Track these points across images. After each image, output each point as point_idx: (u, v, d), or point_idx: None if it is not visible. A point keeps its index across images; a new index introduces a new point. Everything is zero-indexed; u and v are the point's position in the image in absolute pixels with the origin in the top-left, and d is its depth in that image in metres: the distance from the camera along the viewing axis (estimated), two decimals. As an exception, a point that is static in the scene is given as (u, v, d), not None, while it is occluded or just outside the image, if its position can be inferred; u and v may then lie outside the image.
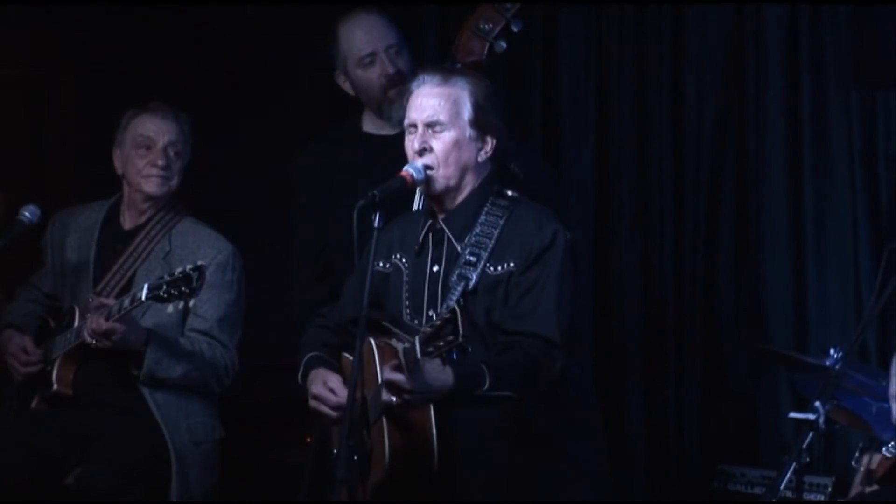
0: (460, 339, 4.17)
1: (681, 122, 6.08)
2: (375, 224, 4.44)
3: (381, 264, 4.72)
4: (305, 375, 4.72)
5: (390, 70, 5.33)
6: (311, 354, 4.76)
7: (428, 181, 4.61)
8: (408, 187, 4.68)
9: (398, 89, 5.27)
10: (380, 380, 4.42)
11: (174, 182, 5.47)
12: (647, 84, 6.12)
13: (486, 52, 5.13)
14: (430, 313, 4.57)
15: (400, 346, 4.35)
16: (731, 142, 6.02)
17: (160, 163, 5.42)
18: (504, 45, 5.14)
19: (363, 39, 5.36)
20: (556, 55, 6.25)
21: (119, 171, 5.52)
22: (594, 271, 6.05)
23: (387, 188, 4.54)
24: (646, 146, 6.12)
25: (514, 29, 5.14)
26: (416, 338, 4.27)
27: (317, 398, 4.64)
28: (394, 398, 4.33)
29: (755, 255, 5.96)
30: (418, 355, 4.25)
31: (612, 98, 6.18)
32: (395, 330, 4.62)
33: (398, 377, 4.32)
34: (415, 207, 4.98)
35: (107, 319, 5.13)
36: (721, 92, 6.03)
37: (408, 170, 4.63)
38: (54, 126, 6.55)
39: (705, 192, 6.03)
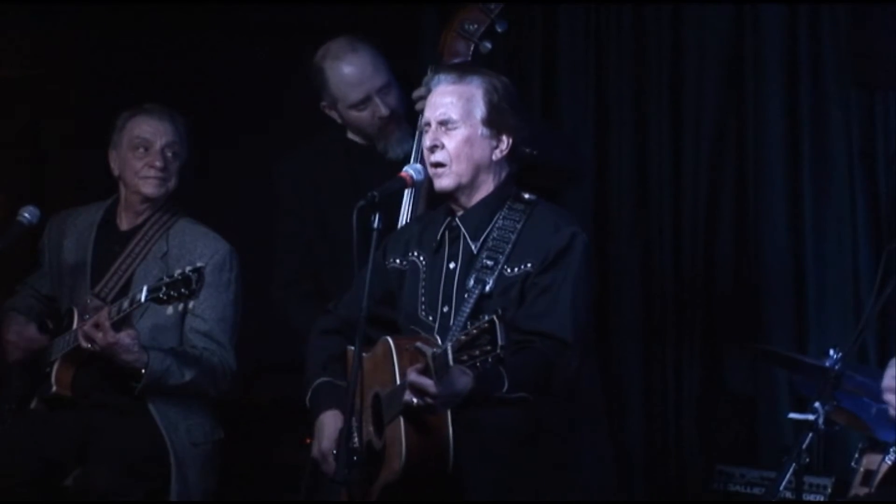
0: (499, 351, 4.13)
1: (680, 122, 6.07)
2: (375, 225, 4.45)
3: (397, 261, 4.75)
4: (315, 403, 4.71)
5: (384, 112, 5.33)
6: (319, 381, 4.74)
7: (439, 179, 4.64)
8: (408, 188, 4.70)
9: (392, 126, 5.29)
10: (397, 380, 4.42)
11: (171, 183, 5.46)
12: (645, 85, 6.12)
13: (471, 52, 5.12)
14: (445, 309, 4.60)
15: (429, 351, 4.31)
16: (731, 142, 6.02)
17: (157, 164, 5.41)
18: (489, 45, 5.14)
19: (355, 84, 5.33)
20: (555, 56, 6.25)
21: (115, 172, 5.51)
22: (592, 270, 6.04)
23: (386, 189, 4.57)
24: (645, 147, 6.12)
25: (499, 29, 5.14)
26: (448, 344, 4.22)
27: (324, 456, 4.64)
28: (415, 400, 4.31)
29: (754, 254, 5.95)
30: (450, 362, 4.21)
31: (612, 99, 6.17)
32: (417, 330, 4.62)
33: (425, 381, 4.29)
34: (402, 210, 5.01)
35: (110, 319, 5.13)
36: (720, 92, 6.03)
37: (407, 170, 4.66)
38: (54, 127, 6.55)
39: (704, 192, 6.03)
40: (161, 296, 4.93)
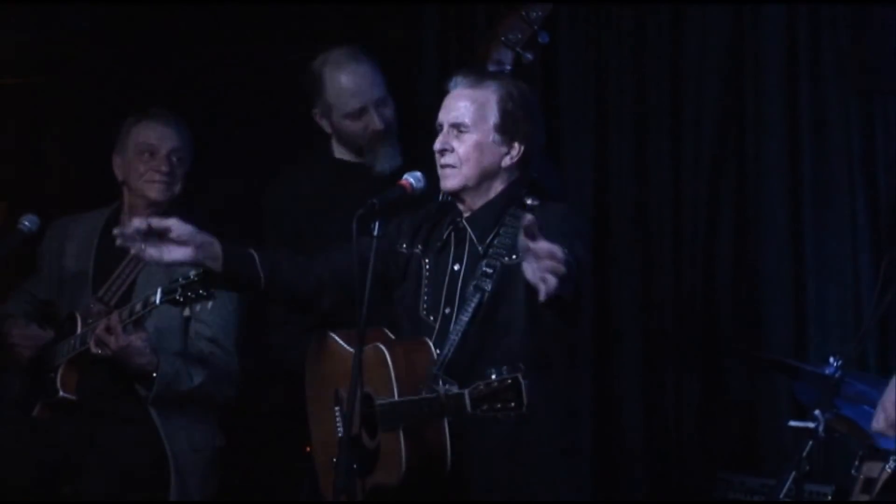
0: (524, 410, 4.16)
1: (680, 127, 6.06)
2: (375, 232, 4.44)
3: (404, 246, 4.73)
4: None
5: (379, 126, 5.32)
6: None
7: (446, 179, 4.63)
8: (407, 196, 4.69)
9: (384, 141, 5.27)
10: (395, 393, 4.43)
11: (177, 188, 5.49)
12: (645, 90, 6.11)
13: (512, 62, 5.08)
14: (447, 311, 4.61)
15: (441, 390, 4.33)
16: (731, 147, 6.00)
17: (164, 169, 5.44)
18: (531, 56, 5.07)
19: (353, 93, 5.33)
20: (554, 58, 6.23)
21: (120, 177, 5.53)
22: (593, 277, 6.04)
23: (386, 197, 4.55)
24: (644, 152, 6.11)
25: (541, 41, 5.08)
26: (466, 391, 4.24)
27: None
28: None
29: (754, 261, 5.95)
30: (468, 409, 4.23)
31: (611, 102, 6.16)
32: (413, 330, 4.62)
33: None
34: None
35: (122, 322, 5.12)
36: (720, 97, 6.02)
37: (407, 178, 4.64)
38: (54, 134, 6.55)
39: (704, 198, 6.01)
40: (177, 297, 4.89)
